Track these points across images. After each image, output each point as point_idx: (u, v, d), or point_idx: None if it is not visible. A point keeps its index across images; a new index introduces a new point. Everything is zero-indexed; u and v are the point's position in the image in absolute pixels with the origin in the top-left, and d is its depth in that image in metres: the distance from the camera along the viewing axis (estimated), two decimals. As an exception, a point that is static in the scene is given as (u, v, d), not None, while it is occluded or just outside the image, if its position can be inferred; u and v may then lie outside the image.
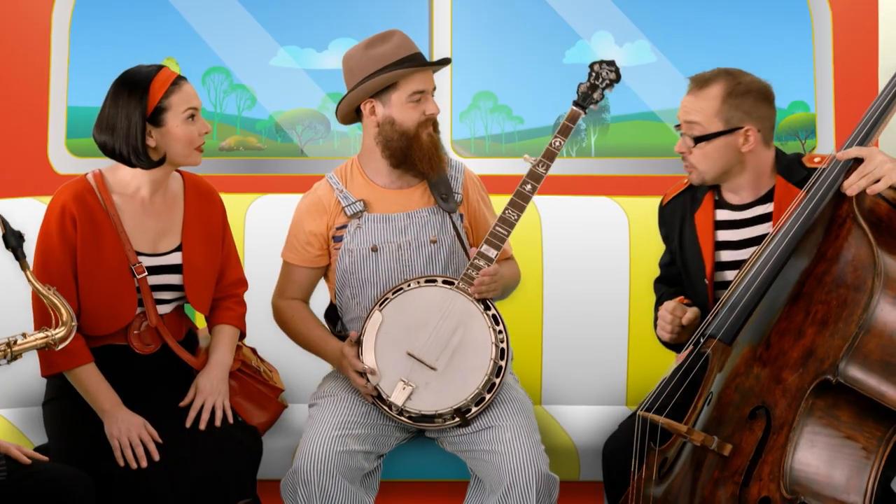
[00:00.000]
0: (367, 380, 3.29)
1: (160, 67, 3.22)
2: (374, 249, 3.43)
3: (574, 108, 3.42)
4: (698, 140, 3.23)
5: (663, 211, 3.48)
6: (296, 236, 3.49)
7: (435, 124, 3.42)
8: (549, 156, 3.37)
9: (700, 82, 3.25)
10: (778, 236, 3.04)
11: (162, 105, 3.19)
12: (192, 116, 3.23)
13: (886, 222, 2.99)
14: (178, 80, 3.22)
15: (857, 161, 3.00)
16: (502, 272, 3.36)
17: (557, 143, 3.37)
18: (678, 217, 3.42)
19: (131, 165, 3.22)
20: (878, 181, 2.96)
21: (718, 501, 2.92)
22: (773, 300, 3.04)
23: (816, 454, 2.86)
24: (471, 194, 3.53)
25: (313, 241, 3.46)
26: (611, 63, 3.46)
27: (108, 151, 3.22)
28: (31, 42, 4.36)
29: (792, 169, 3.26)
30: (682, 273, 3.42)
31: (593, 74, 3.45)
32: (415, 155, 3.39)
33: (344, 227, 3.44)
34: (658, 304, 3.47)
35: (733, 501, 2.89)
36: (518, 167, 3.57)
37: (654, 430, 3.12)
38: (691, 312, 3.26)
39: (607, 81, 3.44)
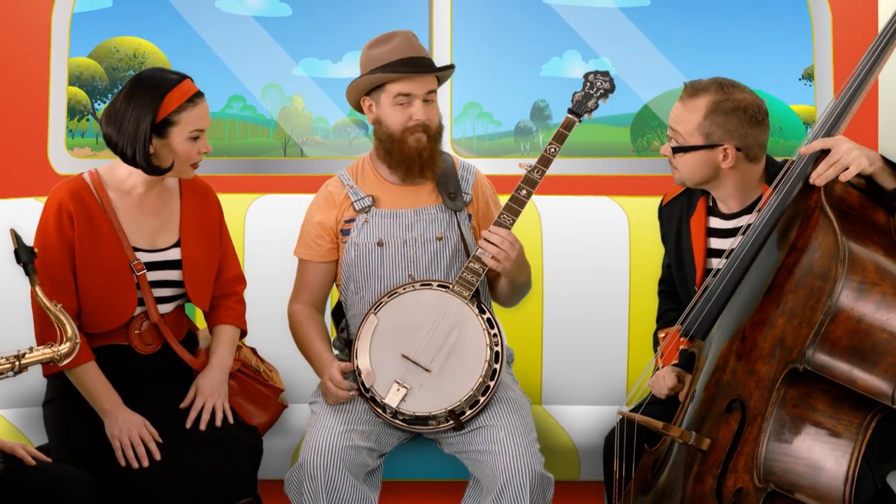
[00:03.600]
0: (351, 386, 3.31)
1: (183, 78, 3.21)
2: (380, 244, 3.44)
3: (569, 115, 3.43)
4: (676, 150, 3.23)
5: (662, 211, 3.49)
6: (307, 232, 3.51)
7: (428, 130, 3.42)
8: (545, 162, 3.38)
9: (691, 91, 3.23)
10: (748, 232, 3.04)
11: (171, 118, 3.18)
12: (197, 137, 3.22)
13: (858, 210, 2.97)
14: (195, 97, 3.21)
15: (824, 152, 2.97)
16: (519, 247, 3.34)
17: (553, 150, 3.39)
18: (675, 219, 3.43)
19: (132, 165, 3.22)
20: (846, 169, 2.93)
21: (700, 495, 2.93)
22: (750, 294, 3.04)
23: (793, 444, 2.86)
24: (481, 197, 3.55)
25: (324, 233, 3.48)
26: (605, 73, 3.47)
27: (112, 145, 3.22)
28: (31, 42, 4.36)
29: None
30: (676, 276, 3.43)
31: (588, 84, 3.46)
32: (400, 158, 3.42)
33: (352, 220, 3.46)
34: (658, 321, 3.49)
35: (712, 494, 2.90)
36: (505, 167, 3.64)
37: (646, 429, 3.13)
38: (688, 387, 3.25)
39: (601, 91, 3.45)
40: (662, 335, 3.43)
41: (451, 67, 3.48)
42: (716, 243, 3.32)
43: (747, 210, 3.29)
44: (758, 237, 3.02)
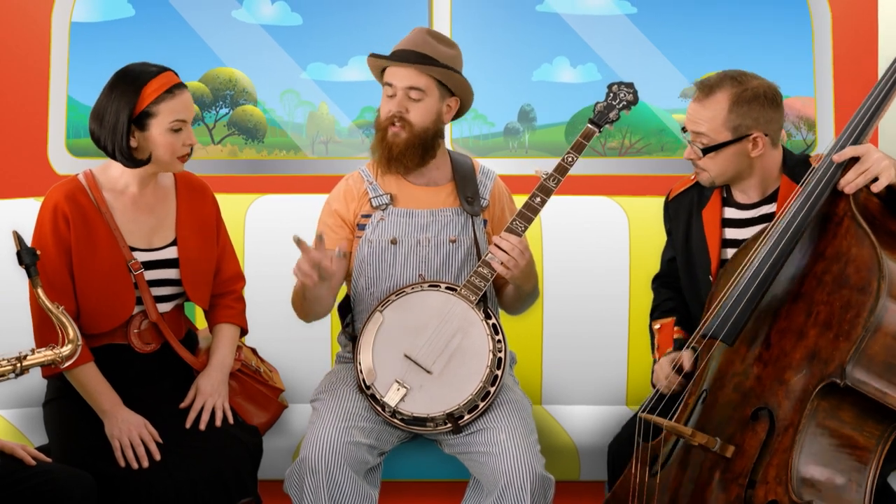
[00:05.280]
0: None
1: (163, 70, 3.21)
2: (394, 242, 3.44)
3: (589, 125, 3.42)
4: (707, 151, 3.20)
5: (669, 206, 3.47)
6: (324, 221, 3.51)
7: (408, 126, 3.40)
8: (561, 171, 3.37)
9: (705, 89, 3.20)
10: (775, 235, 3.02)
11: (149, 110, 3.17)
12: (179, 129, 3.20)
13: (880, 220, 2.97)
14: (175, 88, 3.19)
15: (853, 159, 2.98)
16: (529, 255, 3.34)
17: (570, 159, 3.37)
18: (685, 212, 3.40)
19: (113, 159, 3.22)
20: (876, 179, 2.94)
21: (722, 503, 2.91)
22: (770, 299, 3.02)
23: (820, 456, 2.85)
24: (497, 203, 3.55)
25: (343, 223, 3.48)
26: (629, 85, 3.45)
27: (95, 140, 3.22)
28: (31, 42, 4.37)
29: (797, 169, 3.22)
30: (682, 270, 3.42)
31: (611, 95, 3.44)
32: (381, 148, 3.43)
33: (368, 216, 3.46)
34: (653, 313, 3.47)
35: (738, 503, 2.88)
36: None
37: (650, 429, 3.12)
38: (687, 362, 3.23)
39: (624, 102, 3.43)
40: (657, 326, 3.41)
41: (430, 62, 3.40)
42: (731, 233, 3.31)
43: (767, 200, 3.27)
44: (788, 242, 2.99)
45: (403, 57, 3.39)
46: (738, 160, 3.21)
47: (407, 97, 3.39)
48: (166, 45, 4.41)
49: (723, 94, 3.18)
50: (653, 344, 3.44)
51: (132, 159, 3.20)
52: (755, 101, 3.17)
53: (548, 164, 3.43)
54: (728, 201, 3.33)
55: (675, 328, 3.36)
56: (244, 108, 4.29)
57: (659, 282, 3.55)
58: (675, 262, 3.47)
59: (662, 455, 3.08)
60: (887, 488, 3.10)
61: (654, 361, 3.36)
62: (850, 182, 2.95)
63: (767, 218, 3.24)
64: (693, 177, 3.40)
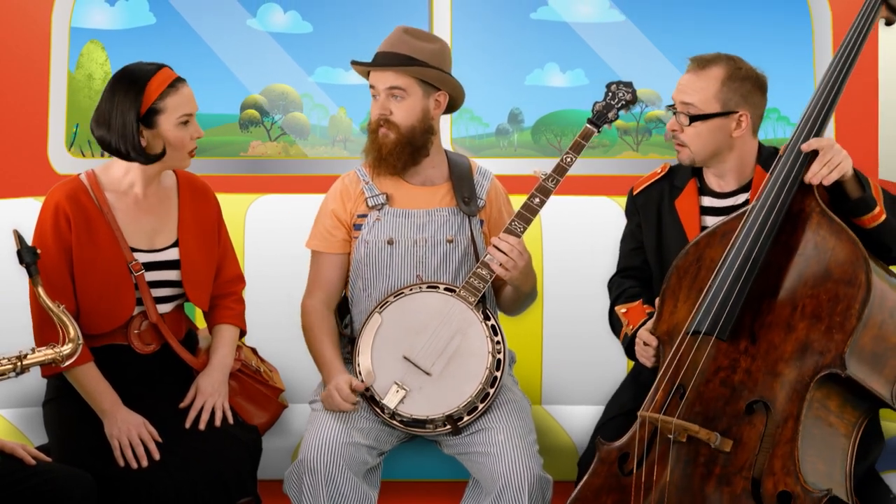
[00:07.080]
0: (355, 401, 3.29)
1: (160, 67, 3.21)
2: (390, 242, 3.44)
3: (588, 125, 3.42)
4: (694, 119, 3.23)
5: (636, 199, 3.47)
6: (322, 223, 3.50)
7: (394, 127, 3.41)
8: (560, 171, 3.37)
9: (701, 63, 3.26)
10: (754, 227, 3.03)
11: (155, 107, 3.18)
12: (186, 122, 3.22)
13: (830, 208, 3.02)
14: (176, 82, 3.21)
15: (815, 151, 3.04)
16: (527, 256, 3.35)
17: (569, 159, 3.38)
18: (654, 205, 3.42)
19: (129, 160, 3.22)
20: (832, 171, 3.00)
21: (731, 498, 2.90)
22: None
23: (815, 445, 2.89)
24: (494, 203, 3.54)
25: (340, 224, 3.47)
26: (628, 84, 3.46)
27: (106, 146, 3.22)
28: (31, 43, 4.37)
29: (770, 161, 3.26)
30: (654, 264, 3.41)
31: (609, 94, 3.44)
32: (372, 150, 3.44)
33: (364, 216, 3.46)
34: (617, 301, 3.44)
35: (747, 497, 2.88)
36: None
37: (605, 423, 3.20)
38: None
39: (623, 102, 3.43)
40: (624, 310, 3.39)
41: (406, 62, 3.40)
42: (710, 222, 3.31)
43: (744, 189, 3.31)
44: (767, 234, 3.01)
45: (379, 61, 3.41)
46: (719, 136, 3.25)
47: (390, 98, 3.40)
48: (180, 51, 4.47)
49: (718, 68, 3.25)
50: (618, 326, 3.40)
51: (147, 156, 3.20)
52: (747, 80, 3.25)
53: (536, 163, 3.43)
54: (703, 190, 3.35)
55: (645, 305, 3.36)
56: (293, 115, 4.56)
57: (618, 275, 3.53)
58: (638, 251, 3.46)
59: (633, 453, 3.04)
60: (874, 474, 3.14)
61: (625, 336, 3.34)
62: (816, 174, 3.01)
63: (743, 206, 3.23)
64: (660, 170, 3.43)
